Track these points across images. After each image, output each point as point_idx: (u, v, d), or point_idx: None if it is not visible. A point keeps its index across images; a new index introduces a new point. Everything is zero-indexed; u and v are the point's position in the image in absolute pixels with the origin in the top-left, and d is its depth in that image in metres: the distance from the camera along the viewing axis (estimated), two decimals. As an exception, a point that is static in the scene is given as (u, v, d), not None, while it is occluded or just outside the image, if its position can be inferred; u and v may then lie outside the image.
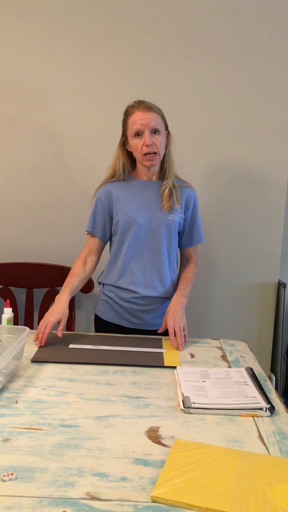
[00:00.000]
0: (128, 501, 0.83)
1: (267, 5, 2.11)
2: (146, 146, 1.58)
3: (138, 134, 1.59)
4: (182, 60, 2.15)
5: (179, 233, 1.75)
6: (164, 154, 1.68)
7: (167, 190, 1.66)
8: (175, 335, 1.57)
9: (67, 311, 1.59)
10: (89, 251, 1.75)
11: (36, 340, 1.54)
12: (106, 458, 0.95)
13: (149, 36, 2.12)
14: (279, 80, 2.17)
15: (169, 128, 1.68)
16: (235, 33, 2.13)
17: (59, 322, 1.57)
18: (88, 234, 1.77)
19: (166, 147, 1.67)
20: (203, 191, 2.21)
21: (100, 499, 0.83)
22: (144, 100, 1.63)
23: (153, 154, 1.61)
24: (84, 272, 1.72)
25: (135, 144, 1.61)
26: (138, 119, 1.58)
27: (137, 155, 1.64)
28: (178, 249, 1.79)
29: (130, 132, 1.61)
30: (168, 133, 1.67)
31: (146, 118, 1.57)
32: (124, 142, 1.67)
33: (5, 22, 2.11)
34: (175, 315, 1.60)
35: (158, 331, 1.65)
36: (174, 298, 1.66)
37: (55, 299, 1.62)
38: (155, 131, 1.59)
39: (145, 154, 1.61)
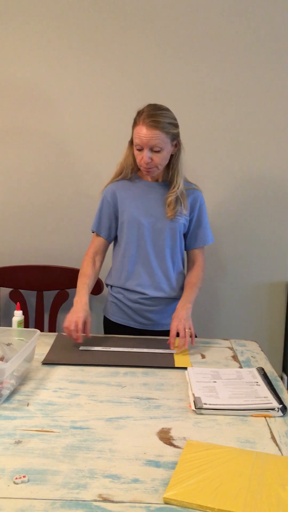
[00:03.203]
0: (141, 502, 0.83)
1: (273, 7, 2.10)
2: (145, 163, 1.58)
3: (139, 148, 1.58)
4: (185, 62, 2.14)
5: (184, 234, 1.74)
6: (172, 164, 1.65)
7: (171, 198, 1.64)
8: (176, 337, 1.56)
9: (89, 311, 1.58)
10: (95, 250, 1.75)
11: (71, 336, 1.52)
12: (118, 459, 0.95)
13: (151, 39, 2.12)
14: (287, 79, 2.16)
15: (179, 136, 1.64)
16: (239, 35, 2.11)
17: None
18: (93, 233, 1.77)
19: (174, 155, 1.63)
20: (211, 192, 2.20)
21: (113, 501, 0.83)
22: (155, 105, 1.58)
23: (152, 168, 1.60)
24: (94, 273, 1.72)
25: (136, 154, 1.61)
26: (141, 134, 1.54)
27: (138, 163, 1.63)
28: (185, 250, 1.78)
29: (134, 141, 1.59)
30: (177, 143, 1.62)
31: (147, 136, 1.53)
32: (132, 141, 1.67)
33: (7, 27, 2.12)
34: (180, 317, 1.59)
35: (168, 342, 1.60)
36: (178, 305, 1.64)
37: (74, 302, 1.60)
38: (155, 150, 1.56)
39: (142, 167, 1.61)
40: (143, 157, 1.57)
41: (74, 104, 2.18)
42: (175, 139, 1.61)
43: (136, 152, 1.60)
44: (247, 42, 2.13)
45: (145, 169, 1.61)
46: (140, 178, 1.72)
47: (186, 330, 1.55)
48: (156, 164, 1.58)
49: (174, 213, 1.64)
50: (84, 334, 1.54)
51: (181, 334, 1.54)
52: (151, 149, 1.56)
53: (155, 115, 1.54)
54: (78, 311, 1.55)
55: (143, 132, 1.53)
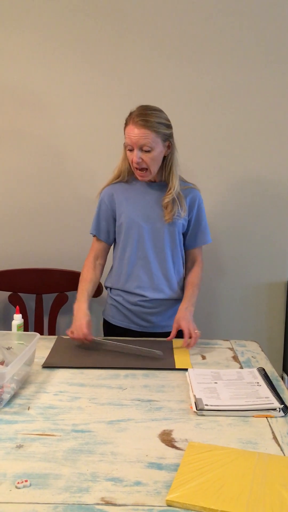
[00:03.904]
0: (143, 505, 0.82)
1: (273, 7, 2.10)
2: (135, 162, 1.57)
3: (129, 148, 1.58)
4: (184, 64, 2.14)
5: (183, 234, 1.74)
6: (165, 165, 1.64)
7: (167, 200, 1.63)
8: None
9: (90, 317, 1.60)
10: (96, 254, 1.75)
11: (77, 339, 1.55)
12: (120, 462, 0.95)
13: (149, 42, 2.12)
14: (285, 80, 2.16)
15: (172, 136, 1.63)
16: (238, 35, 2.12)
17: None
18: (93, 236, 1.77)
19: (166, 157, 1.62)
20: (209, 191, 2.20)
21: (115, 504, 0.82)
22: (147, 106, 1.58)
23: (144, 171, 1.59)
24: (95, 277, 1.73)
25: (128, 156, 1.61)
26: (130, 134, 1.54)
27: (131, 165, 1.63)
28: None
29: (125, 141, 1.59)
30: (169, 145, 1.61)
31: (136, 136, 1.52)
32: None
33: (6, 31, 2.12)
34: (187, 319, 1.59)
35: (167, 339, 1.61)
36: (181, 307, 1.65)
37: (74, 310, 1.62)
38: (145, 150, 1.55)
39: (135, 168, 1.60)
40: (133, 157, 1.57)
41: (72, 107, 2.18)
42: (167, 139, 1.59)
43: (128, 153, 1.60)
44: (246, 42, 2.13)
45: (138, 172, 1.61)
46: (136, 180, 1.72)
47: (197, 331, 1.56)
48: (147, 164, 1.57)
49: (171, 216, 1.64)
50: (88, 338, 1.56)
51: (193, 335, 1.55)
52: (141, 149, 1.55)
53: (145, 115, 1.54)
54: (81, 318, 1.57)
55: (133, 131, 1.53)
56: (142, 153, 1.55)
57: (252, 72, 2.15)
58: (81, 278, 1.72)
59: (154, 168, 1.60)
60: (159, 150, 1.58)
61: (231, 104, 2.17)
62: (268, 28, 2.12)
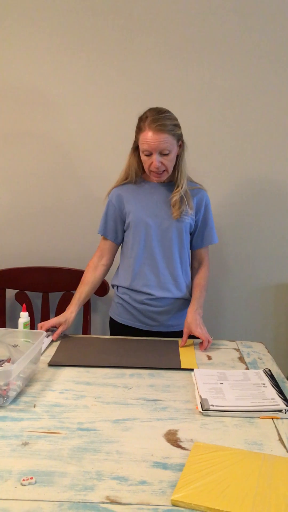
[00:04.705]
0: (148, 504, 0.82)
1: (274, 7, 2.09)
2: (155, 167, 1.58)
3: (147, 153, 1.58)
4: (188, 63, 2.13)
5: (190, 234, 1.74)
6: (176, 164, 1.65)
7: (175, 198, 1.64)
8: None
9: (70, 320, 1.66)
10: (101, 254, 1.76)
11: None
12: (125, 461, 0.95)
13: (154, 41, 2.12)
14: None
15: (183, 136, 1.64)
16: (242, 36, 2.11)
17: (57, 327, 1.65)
18: (101, 236, 1.78)
19: (179, 156, 1.64)
20: (215, 192, 2.20)
21: (120, 503, 0.82)
22: (158, 109, 1.58)
23: (162, 173, 1.61)
24: (94, 279, 1.75)
25: (144, 160, 1.61)
26: (149, 140, 1.54)
27: (146, 169, 1.64)
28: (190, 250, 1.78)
29: (140, 147, 1.59)
30: (181, 143, 1.63)
31: (156, 141, 1.54)
32: (136, 147, 1.66)
33: (10, 30, 2.13)
34: (198, 323, 1.60)
35: (180, 346, 1.60)
36: (190, 309, 1.66)
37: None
38: (164, 153, 1.57)
39: (152, 171, 1.61)
40: (152, 162, 1.57)
41: (77, 106, 2.18)
42: (180, 139, 1.62)
43: (144, 158, 1.60)
44: (250, 42, 2.12)
45: (155, 174, 1.62)
46: (144, 180, 1.73)
47: (210, 339, 1.58)
48: (166, 167, 1.59)
49: (179, 213, 1.65)
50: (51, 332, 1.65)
51: (210, 340, 1.58)
52: (160, 153, 1.56)
53: (160, 119, 1.54)
54: (58, 317, 1.66)
55: (151, 137, 1.53)
56: (161, 157, 1.57)
57: (257, 72, 2.14)
58: (81, 279, 1.75)
59: (171, 169, 1.63)
60: (175, 151, 1.60)
61: (236, 105, 2.16)
62: (274, 25, 2.11)
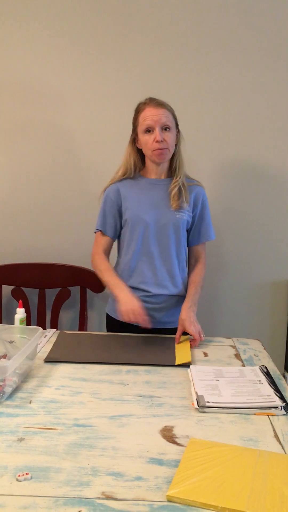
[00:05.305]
0: (144, 500, 0.82)
1: (273, 5, 2.09)
2: (157, 142, 1.58)
3: (149, 130, 1.60)
4: (187, 58, 2.13)
5: (187, 231, 1.74)
6: (174, 152, 1.67)
7: (176, 189, 1.65)
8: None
9: (135, 296, 1.58)
10: (103, 248, 1.75)
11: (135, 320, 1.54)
12: (121, 457, 0.95)
13: (154, 35, 2.11)
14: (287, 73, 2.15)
15: (179, 126, 1.67)
16: (240, 30, 2.11)
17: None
18: (96, 232, 1.76)
19: (176, 145, 1.67)
20: (213, 189, 2.20)
21: (116, 499, 0.83)
22: (155, 97, 1.63)
23: (164, 150, 1.61)
24: (112, 267, 1.73)
25: (146, 140, 1.61)
26: (149, 115, 1.58)
27: (147, 151, 1.64)
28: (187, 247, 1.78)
29: (141, 128, 1.61)
30: (178, 132, 1.67)
31: (157, 114, 1.58)
32: (134, 139, 1.67)
33: (11, 25, 2.11)
34: (192, 320, 1.60)
35: (176, 343, 1.60)
36: (184, 306, 1.65)
37: (117, 296, 1.59)
38: (165, 128, 1.59)
39: (155, 150, 1.61)
40: (155, 137, 1.58)
41: (77, 101, 2.17)
42: (177, 127, 1.66)
43: (146, 138, 1.61)
44: (247, 38, 2.12)
45: (157, 152, 1.61)
46: (143, 176, 1.72)
47: (202, 336, 1.58)
48: (167, 144, 1.60)
49: (178, 204, 1.65)
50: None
51: (202, 338, 1.58)
52: (162, 128, 1.59)
53: (157, 99, 1.62)
54: (132, 300, 1.55)
55: (152, 112, 1.58)
56: (163, 133, 1.59)
57: (255, 67, 2.14)
58: (102, 268, 1.70)
59: (172, 148, 1.65)
60: (174, 133, 1.64)
61: (234, 100, 2.16)
62: (272, 21, 2.11)
